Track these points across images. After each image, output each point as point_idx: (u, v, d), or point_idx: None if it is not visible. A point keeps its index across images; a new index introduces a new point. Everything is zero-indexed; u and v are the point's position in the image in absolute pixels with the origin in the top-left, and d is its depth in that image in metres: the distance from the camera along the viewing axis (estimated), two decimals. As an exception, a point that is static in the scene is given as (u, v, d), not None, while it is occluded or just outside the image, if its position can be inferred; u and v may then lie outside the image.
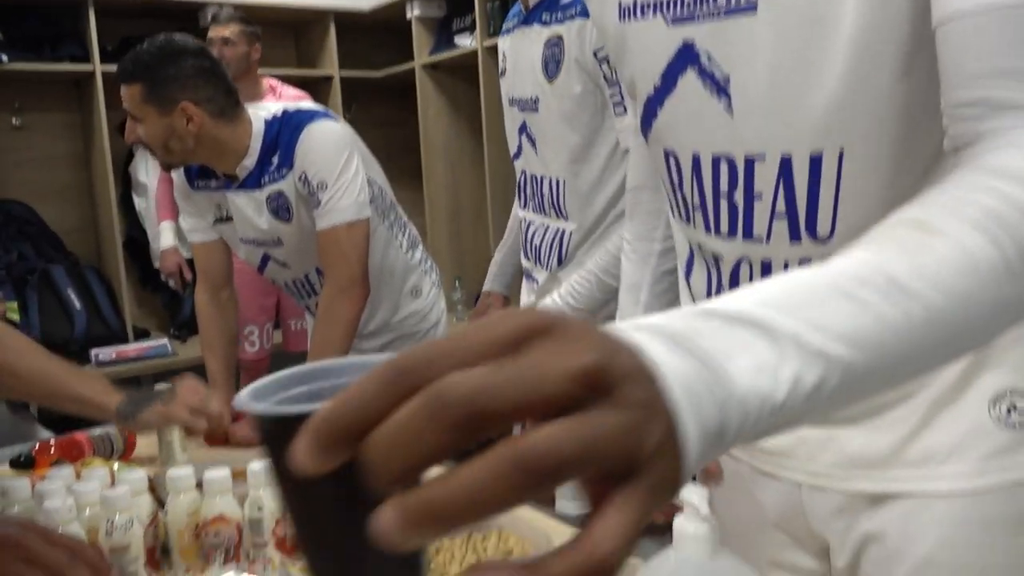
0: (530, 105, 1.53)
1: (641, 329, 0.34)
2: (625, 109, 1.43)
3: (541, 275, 1.61)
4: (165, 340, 3.37)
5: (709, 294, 0.79)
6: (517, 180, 1.66)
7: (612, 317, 1.59)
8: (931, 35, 0.56)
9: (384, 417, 0.29)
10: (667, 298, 1.01)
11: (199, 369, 1.95)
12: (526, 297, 1.67)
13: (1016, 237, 0.43)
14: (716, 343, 0.35)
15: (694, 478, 0.97)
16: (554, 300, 1.54)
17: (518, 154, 1.61)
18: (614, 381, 0.30)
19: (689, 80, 0.70)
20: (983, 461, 0.67)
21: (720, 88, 0.68)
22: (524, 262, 1.69)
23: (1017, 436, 0.66)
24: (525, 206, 1.65)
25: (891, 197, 0.64)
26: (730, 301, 0.38)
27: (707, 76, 0.68)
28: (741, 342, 0.35)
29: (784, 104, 0.65)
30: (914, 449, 0.70)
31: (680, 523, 0.54)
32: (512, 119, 1.59)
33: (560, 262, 1.57)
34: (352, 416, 0.29)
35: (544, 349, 0.30)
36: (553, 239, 1.58)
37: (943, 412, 0.69)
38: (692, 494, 0.54)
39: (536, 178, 1.57)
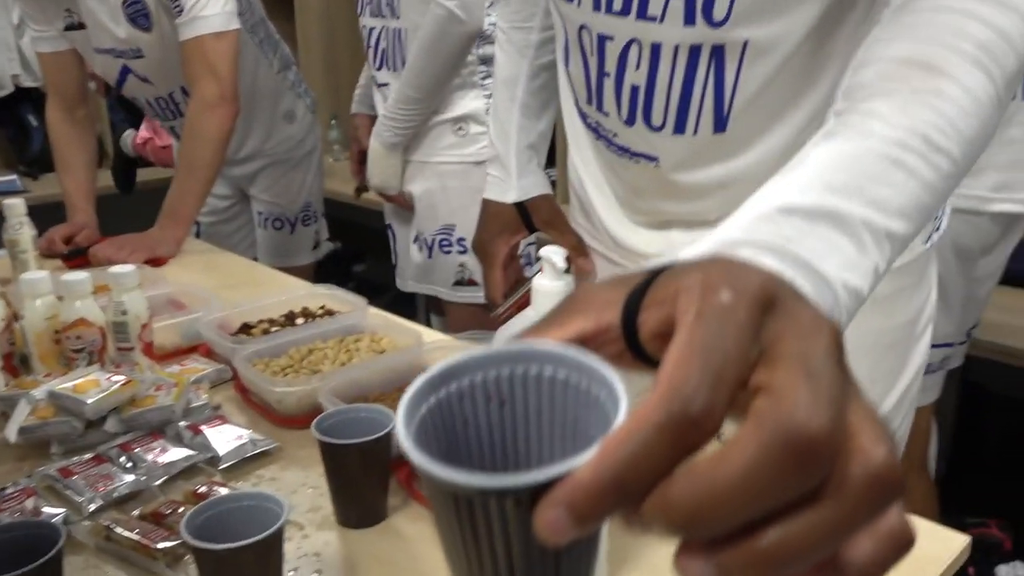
0: None
1: (745, 246, 0.37)
2: None
3: (392, 79, 1.61)
4: (14, 176, 3.12)
5: (588, 83, 0.78)
6: None
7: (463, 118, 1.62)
8: None
9: (666, 472, 0.24)
10: (544, 95, 0.99)
11: (56, 206, 1.83)
12: (380, 108, 1.67)
13: (1003, 66, 0.48)
14: (807, 245, 0.38)
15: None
16: (386, 106, 1.57)
17: None
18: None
19: None
20: None
21: None
22: (375, 73, 1.67)
23: None
24: (362, 12, 1.63)
25: None
26: (799, 189, 0.41)
27: None
28: (827, 242, 0.39)
29: None
30: None
31: (539, 280, 0.57)
32: None
33: (405, 63, 1.58)
34: (637, 474, 0.24)
35: (791, 326, 0.27)
36: (394, 40, 1.57)
37: None
38: (552, 253, 0.56)
39: None
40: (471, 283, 1.67)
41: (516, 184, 0.99)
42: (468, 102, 1.62)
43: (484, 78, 1.63)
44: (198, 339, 1.11)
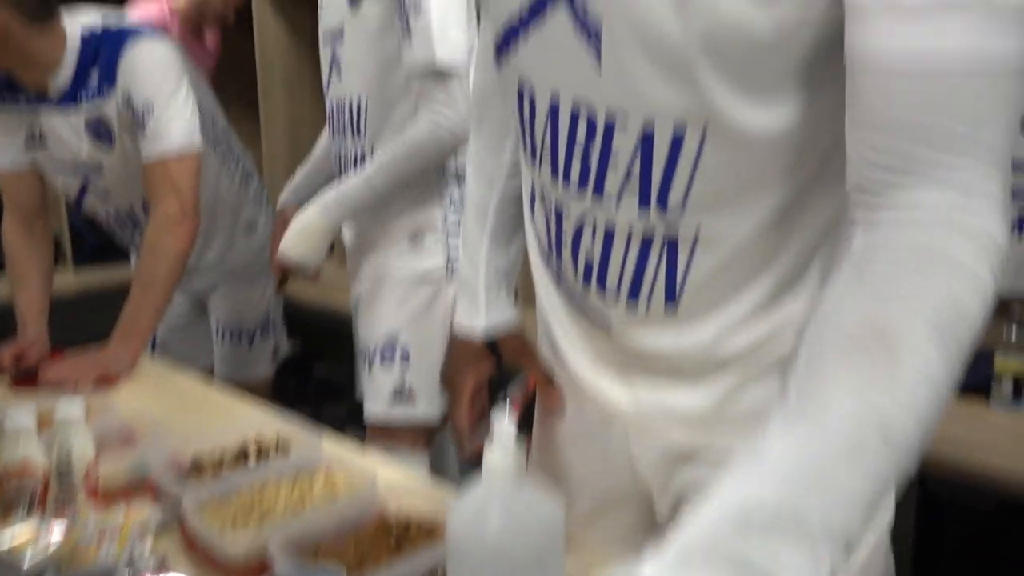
0: (337, 35, 1.53)
1: (704, 564, 0.42)
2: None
3: None
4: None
5: (548, 239, 0.78)
6: (327, 113, 1.67)
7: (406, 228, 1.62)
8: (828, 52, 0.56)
9: None
10: (514, 222, 0.96)
11: (6, 311, 1.80)
12: (347, 232, 1.68)
13: (959, 337, 0.49)
14: (765, 561, 0.42)
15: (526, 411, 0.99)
16: (325, 198, 1.57)
17: (328, 87, 1.62)
18: None
19: (559, 18, 0.64)
20: None
21: (591, 36, 0.62)
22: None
23: None
24: (332, 137, 1.66)
25: (746, 179, 0.65)
26: (759, 490, 0.45)
27: (579, 19, 0.62)
28: (785, 556, 0.42)
29: (653, 72, 0.60)
30: (729, 408, 0.76)
31: (489, 457, 0.56)
32: (324, 56, 1.60)
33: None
34: None
35: None
36: (355, 162, 1.59)
37: (750, 381, 0.75)
38: (503, 429, 0.56)
39: (341, 104, 1.58)
40: (410, 398, 1.63)
41: (484, 316, 0.96)
42: (429, 210, 1.63)
43: (444, 187, 1.65)
44: (147, 473, 1.08)
